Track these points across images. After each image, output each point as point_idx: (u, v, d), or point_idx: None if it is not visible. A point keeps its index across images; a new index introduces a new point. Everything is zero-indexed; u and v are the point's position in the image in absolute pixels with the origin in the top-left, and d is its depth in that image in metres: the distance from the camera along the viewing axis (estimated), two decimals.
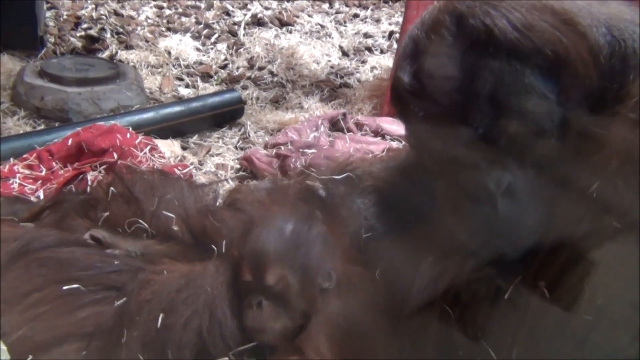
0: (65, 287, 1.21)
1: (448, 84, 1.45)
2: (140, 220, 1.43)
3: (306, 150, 2.32)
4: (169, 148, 2.38)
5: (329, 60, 3.81)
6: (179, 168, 2.11)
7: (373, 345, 1.20)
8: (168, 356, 1.14)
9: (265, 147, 2.53)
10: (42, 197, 1.81)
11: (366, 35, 4.35)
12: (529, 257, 1.20)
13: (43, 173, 1.99)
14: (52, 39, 3.53)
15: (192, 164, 2.35)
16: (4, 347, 1.07)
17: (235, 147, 2.66)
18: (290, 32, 4.17)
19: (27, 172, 1.96)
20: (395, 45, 4.02)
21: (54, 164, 2.04)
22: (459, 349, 1.27)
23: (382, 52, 4.10)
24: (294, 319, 1.15)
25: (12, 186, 1.86)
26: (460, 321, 1.28)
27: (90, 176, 1.94)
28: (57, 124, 2.59)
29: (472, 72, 1.39)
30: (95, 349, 1.17)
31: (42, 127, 2.60)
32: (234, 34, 4.02)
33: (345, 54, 3.98)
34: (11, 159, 2.07)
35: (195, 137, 2.70)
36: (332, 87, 3.42)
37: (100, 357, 1.15)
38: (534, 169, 1.22)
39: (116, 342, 1.16)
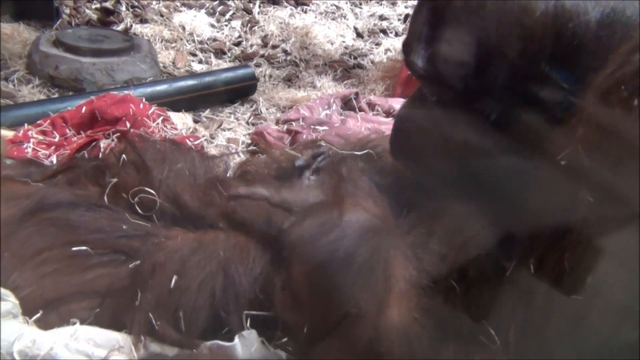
0: (74, 248, 1.23)
1: (458, 65, 1.45)
2: (147, 189, 1.43)
3: (318, 127, 2.32)
4: (181, 120, 2.39)
5: (344, 41, 3.78)
6: (191, 139, 2.13)
7: None
8: (180, 318, 1.16)
9: (277, 123, 2.54)
10: (55, 162, 1.83)
11: (381, 18, 4.31)
12: (534, 239, 1.19)
13: (56, 139, 2.01)
14: (67, 11, 3.52)
15: (203, 136, 2.36)
16: (15, 301, 1.10)
17: (247, 123, 2.66)
18: (305, 12, 4.14)
19: (40, 137, 1.98)
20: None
21: (67, 130, 2.06)
22: (461, 327, 1.28)
23: (397, 34, 4.07)
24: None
25: (26, 150, 1.88)
26: (465, 299, 1.29)
27: (102, 144, 1.95)
28: (71, 93, 2.61)
29: (481, 52, 1.39)
30: (103, 308, 1.19)
31: (56, 95, 2.61)
32: (248, 11, 4.00)
33: (359, 35, 3.95)
34: (25, 125, 2.09)
35: (207, 111, 2.70)
36: (345, 67, 3.41)
37: (108, 315, 1.18)
38: (538, 150, 1.19)
39: (127, 302, 1.18)
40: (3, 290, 1.09)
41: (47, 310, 1.15)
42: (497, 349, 1.24)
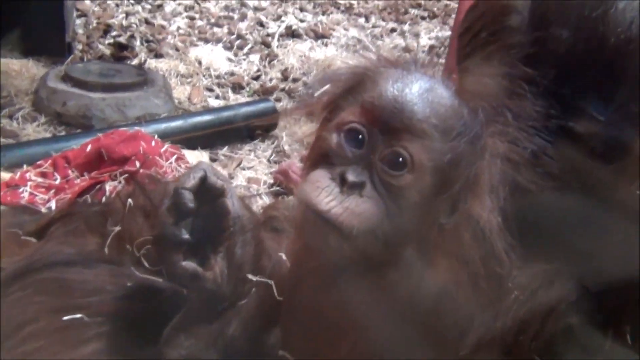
0: (66, 318, 1.00)
1: None
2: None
3: None
4: (197, 159, 2.22)
5: None
6: None
7: None
8: None
9: (302, 160, 2.35)
10: (53, 207, 1.64)
11: (404, 50, 4.16)
12: (609, 296, 1.05)
13: (57, 182, 1.83)
14: (80, 46, 3.42)
15: None
16: None
17: (268, 161, 2.49)
18: (326, 45, 4.03)
19: (39, 180, 1.81)
20: (435, 59, 3.84)
21: (70, 172, 1.89)
22: None
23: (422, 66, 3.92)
24: None
25: (21, 195, 1.70)
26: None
27: (108, 186, 1.78)
28: (78, 131, 2.44)
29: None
30: None
31: (63, 133, 2.45)
32: (267, 45, 3.89)
33: None
34: (24, 166, 1.91)
35: (225, 148, 2.54)
36: None
37: None
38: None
39: None
40: None
41: None
42: None
